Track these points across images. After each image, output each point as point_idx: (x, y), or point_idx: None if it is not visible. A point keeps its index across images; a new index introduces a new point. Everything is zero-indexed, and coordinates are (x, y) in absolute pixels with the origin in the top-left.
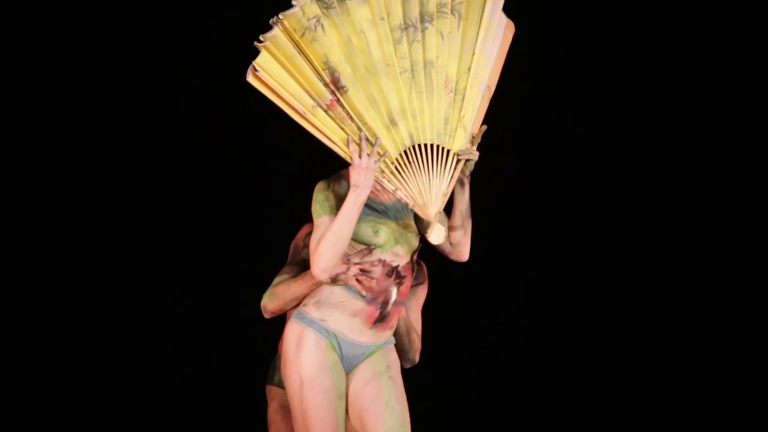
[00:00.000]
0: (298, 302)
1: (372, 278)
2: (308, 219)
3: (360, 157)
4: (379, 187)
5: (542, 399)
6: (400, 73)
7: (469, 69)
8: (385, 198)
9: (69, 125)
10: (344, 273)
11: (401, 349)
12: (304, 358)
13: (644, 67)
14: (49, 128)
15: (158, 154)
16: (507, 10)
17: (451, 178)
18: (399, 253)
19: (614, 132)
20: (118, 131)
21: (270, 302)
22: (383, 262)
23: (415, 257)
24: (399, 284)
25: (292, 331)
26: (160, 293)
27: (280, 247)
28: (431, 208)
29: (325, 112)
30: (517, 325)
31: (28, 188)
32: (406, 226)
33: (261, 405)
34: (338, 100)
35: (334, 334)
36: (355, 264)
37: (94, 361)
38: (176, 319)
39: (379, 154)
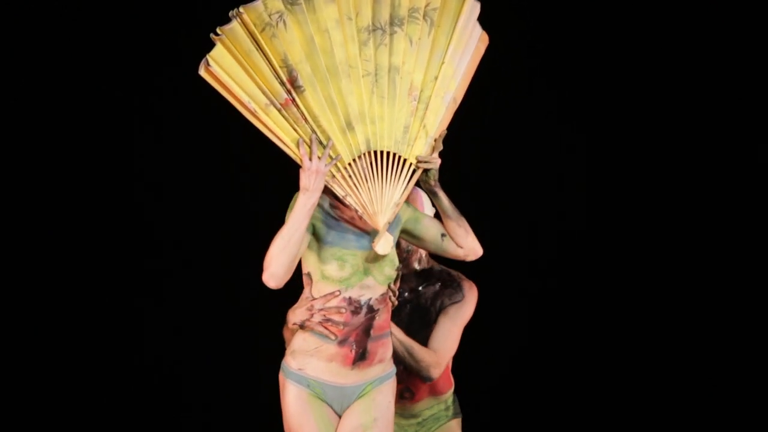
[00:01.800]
0: None
1: (337, 323)
2: None
3: (310, 159)
4: (355, 215)
5: (548, 405)
6: (363, 76)
7: (436, 78)
8: (359, 226)
9: (64, 122)
10: (309, 320)
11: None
12: (289, 410)
13: (622, 77)
14: (44, 126)
15: (157, 152)
16: (482, 21)
17: (406, 187)
18: (369, 285)
19: (605, 133)
20: (113, 127)
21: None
22: (349, 300)
23: (395, 286)
24: (372, 319)
25: (280, 381)
26: (161, 293)
27: None
28: (381, 218)
29: (279, 111)
30: (519, 331)
31: (24, 187)
32: (378, 255)
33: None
34: (293, 100)
35: (316, 381)
36: (319, 310)
37: (93, 362)
38: (177, 319)
39: (330, 157)
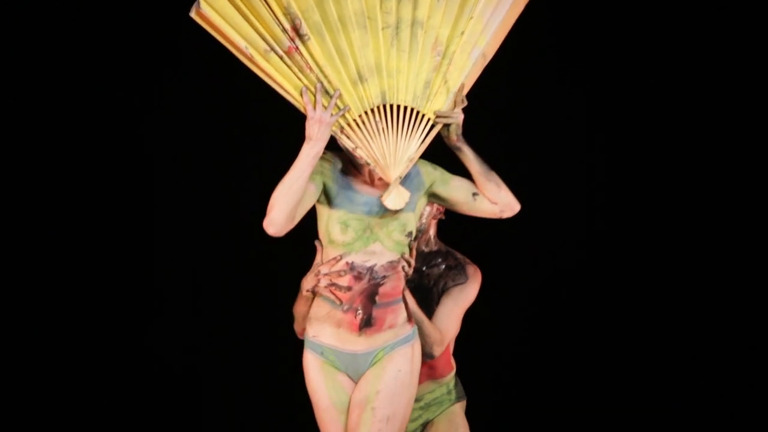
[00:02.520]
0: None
1: (341, 287)
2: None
3: (315, 108)
4: (367, 178)
5: (553, 393)
6: (382, 29)
7: (463, 33)
8: (368, 190)
9: (65, 121)
10: (317, 285)
11: None
12: (307, 377)
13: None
14: (43, 125)
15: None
16: None
17: (422, 142)
18: (376, 251)
19: (621, 127)
20: (116, 124)
21: (295, 324)
22: (352, 265)
23: (409, 256)
24: (377, 285)
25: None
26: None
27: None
28: (392, 171)
29: (281, 58)
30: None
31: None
32: (387, 220)
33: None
34: (297, 48)
35: (330, 348)
36: (324, 275)
37: (96, 360)
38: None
39: (338, 107)
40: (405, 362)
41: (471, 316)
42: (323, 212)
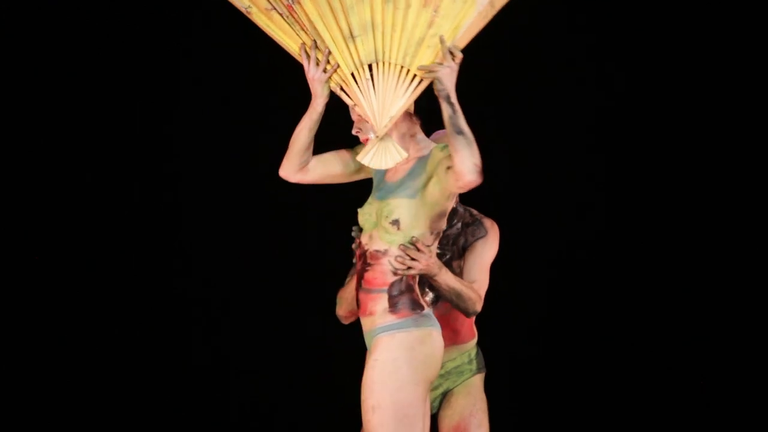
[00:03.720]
0: None
1: (354, 254)
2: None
3: (309, 65)
4: (398, 165)
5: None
6: None
7: None
8: (391, 176)
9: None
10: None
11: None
12: None
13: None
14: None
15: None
16: None
17: (407, 99)
18: (373, 236)
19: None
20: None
21: (338, 308)
22: (359, 244)
23: (406, 256)
24: (364, 270)
25: None
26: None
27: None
28: (378, 126)
29: (281, 15)
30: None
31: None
32: (381, 204)
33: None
34: (291, 7)
35: None
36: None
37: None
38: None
39: (331, 65)
40: (383, 351)
41: (490, 290)
42: None
